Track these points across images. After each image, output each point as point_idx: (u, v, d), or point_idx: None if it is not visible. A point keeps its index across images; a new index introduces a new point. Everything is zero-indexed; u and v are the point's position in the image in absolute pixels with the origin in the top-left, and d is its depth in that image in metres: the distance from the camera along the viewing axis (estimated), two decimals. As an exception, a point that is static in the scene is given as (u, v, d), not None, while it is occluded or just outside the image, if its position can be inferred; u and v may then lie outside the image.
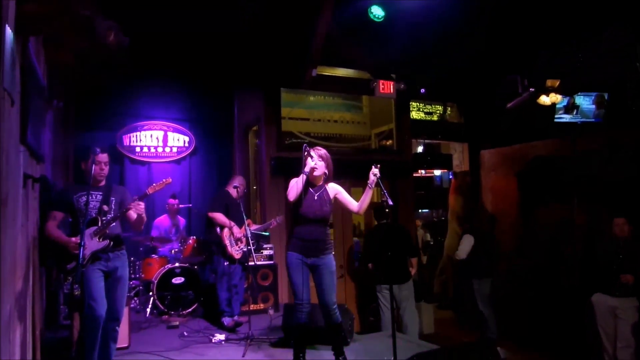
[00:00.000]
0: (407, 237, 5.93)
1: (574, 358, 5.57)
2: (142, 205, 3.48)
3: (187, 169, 7.72)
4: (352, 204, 3.59)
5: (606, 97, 6.56)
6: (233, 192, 5.32)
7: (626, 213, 4.62)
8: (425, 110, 8.31)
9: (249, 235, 4.78)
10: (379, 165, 3.32)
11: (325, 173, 3.59)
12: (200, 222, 6.75)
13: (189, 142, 7.73)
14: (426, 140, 8.78)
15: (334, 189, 3.66)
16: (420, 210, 9.15)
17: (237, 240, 5.21)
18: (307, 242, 3.47)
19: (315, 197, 3.57)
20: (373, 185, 3.34)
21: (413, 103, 8.13)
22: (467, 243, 6.17)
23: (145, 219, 3.65)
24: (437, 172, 9.12)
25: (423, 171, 8.90)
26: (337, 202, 3.65)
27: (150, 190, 3.56)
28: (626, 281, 4.42)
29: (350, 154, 6.96)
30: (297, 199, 3.37)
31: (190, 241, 6.30)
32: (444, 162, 8.72)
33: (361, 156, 7.02)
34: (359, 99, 7.61)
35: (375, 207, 6.00)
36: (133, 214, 3.63)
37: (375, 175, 3.33)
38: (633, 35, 5.15)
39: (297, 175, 3.56)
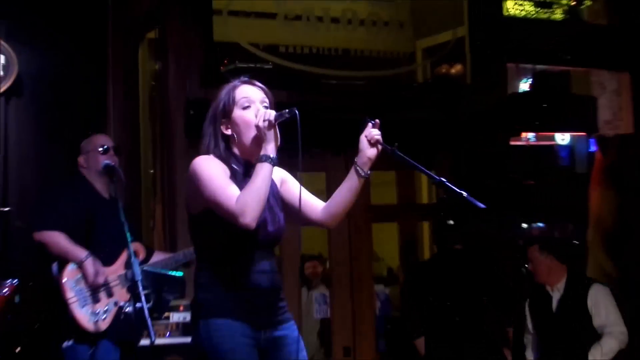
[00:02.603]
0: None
1: None
2: None
3: (1, 128, 7.16)
4: (313, 203, 3.77)
5: None
6: (97, 178, 5.47)
7: None
8: (535, -1, 8.04)
9: (138, 276, 4.47)
10: (377, 121, 3.52)
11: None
12: (30, 246, 6.09)
13: (4, 69, 7.09)
14: (538, 67, 8.65)
15: (279, 175, 3.79)
16: (526, 225, 9.10)
17: (101, 289, 5.27)
18: (256, 295, 3.55)
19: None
20: (369, 165, 3.53)
21: (509, -18, 8.24)
22: None
23: None
24: (563, 138, 9.14)
25: (531, 135, 8.86)
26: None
27: None
28: None
29: (370, 95, 7.17)
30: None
31: (5, 291, 5.82)
32: (578, 114, 8.70)
33: (394, 100, 7.17)
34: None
35: (434, 219, 6.54)
36: None
37: (372, 140, 3.50)
38: None
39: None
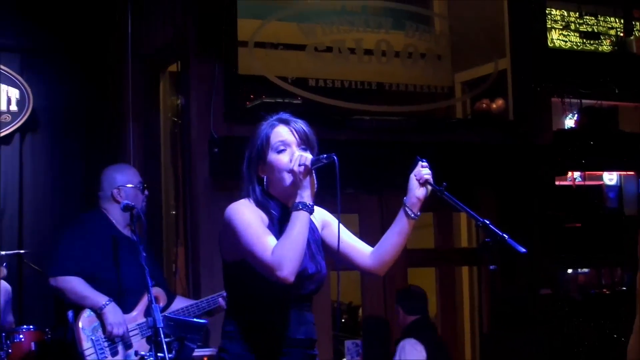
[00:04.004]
0: None
1: None
2: None
3: (16, 165, 7.39)
4: (361, 249, 3.77)
5: None
6: (118, 215, 5.51)
7: None
8: (582, 29, 8.54)
9: (160, 323, 4.48)
10: (425, 163, 3.60)
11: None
12: (47, 291, 6.20)
13: (19, 104, 7.30)
14: (585, 102, 8.72)
15: (321, 217, 3.81)
16: (570, 270, 9.21)
17: (120, 340, 5.30)
18: (288, 350, 3.51)
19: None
20: (419, 207, 3.57)
21: (555, 10, 8.46)
22: None
23: None
24: (611, 178, 9.23)
25: (578, 175, 8.93)
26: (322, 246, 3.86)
27: None
28: None
29: (405, 131, 7.23)
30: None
31: (21, 337, 6.09)
32: (627, 152, 8.67)
33: (430, 135, 7.30)
34: (426, -3, 7.93)
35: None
36: None
37: (421, 180, 3.56)
38: None
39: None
